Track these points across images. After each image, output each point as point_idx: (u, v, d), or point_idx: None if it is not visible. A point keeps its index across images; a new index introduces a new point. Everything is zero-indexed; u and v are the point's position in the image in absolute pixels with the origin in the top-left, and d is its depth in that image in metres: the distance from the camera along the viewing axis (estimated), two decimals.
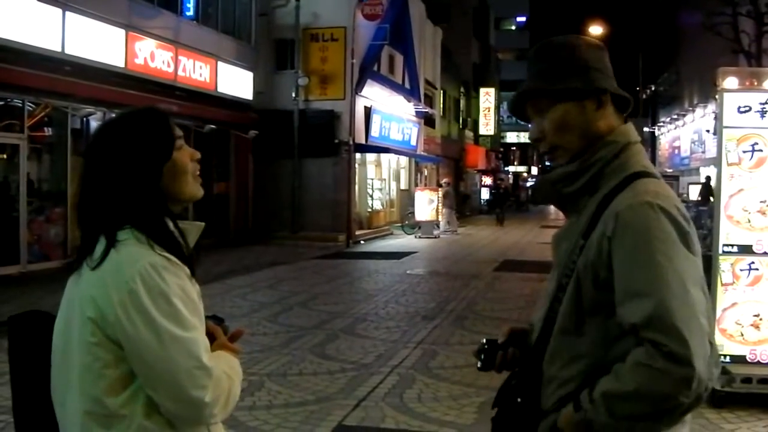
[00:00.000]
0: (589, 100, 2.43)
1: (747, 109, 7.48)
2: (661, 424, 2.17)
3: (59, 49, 17.51)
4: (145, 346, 2.09)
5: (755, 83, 7.63)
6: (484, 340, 2.73)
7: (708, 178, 26.37)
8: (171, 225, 2.28)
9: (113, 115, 2.43)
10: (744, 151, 7.48)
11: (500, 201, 45.04)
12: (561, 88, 2.42)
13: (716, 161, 7.75)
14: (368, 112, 32.15)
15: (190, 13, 24.07)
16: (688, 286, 2.13)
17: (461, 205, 42.20)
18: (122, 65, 20.01)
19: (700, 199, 23.72)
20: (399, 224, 35.29)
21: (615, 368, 2.17)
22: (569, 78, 2.42)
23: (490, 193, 53.09)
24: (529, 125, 2.57)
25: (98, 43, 18.91)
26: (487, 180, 64.00)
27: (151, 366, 2.10)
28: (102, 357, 2.13)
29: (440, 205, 33.99)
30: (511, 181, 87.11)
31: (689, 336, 2.05)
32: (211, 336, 2.33)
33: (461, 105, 57.34)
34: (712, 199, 12.51)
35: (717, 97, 7.81)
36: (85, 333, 2.15)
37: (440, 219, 34.33)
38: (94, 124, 19.82)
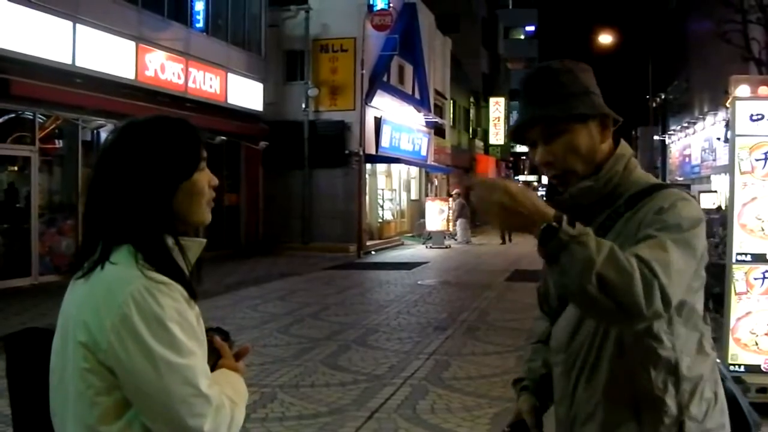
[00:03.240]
0: (594, 123, 2.50)
1: (759, 117, 7.45)
2: (600, 313, 2.19)
3: (70, 62, 17.57)
4: (139, 373, 1.96)
5: (767, 91, 7.59)
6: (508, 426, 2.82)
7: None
8: (171, 242, 2.14)
9: (139, 118, 2.25)
10: (757, 160, 7.45)
11: None
12: (573, 114, 2.46)
13: (729, 169, 7.72)
14: (378, 122, 32.17)
15: (200, 24, 24.16)
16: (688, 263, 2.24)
17: (472, 215, 41.92)
18: (133, 77, 20.07)
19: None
20: (410, 234, 35.27)
21: (630, 250, 2.17)
22: (577, 103, 2.47)
23: None
24: (528, 148, 2.63)
25: (109, 55, 18.96)
26: None
27: (146, 394, 1.98)
28: (95, 384, 2.01)
29: (455, 215, 34.00)
30: None
31: (673, 292, 2.11)
32: (216, 353, 2.25)
33: (471, 115, 57.38)
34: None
35: (729, 105, 7.78)
36: (77, 358, 2.02)
37: (457, 229, 34.34)
38: (104, 136, 19.86)
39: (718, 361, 2.60)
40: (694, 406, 2.34)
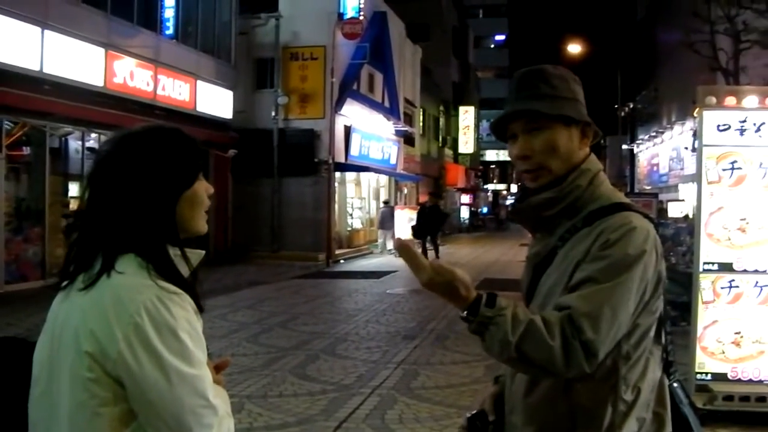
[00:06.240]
0: (576, 130, 2.59)
1: (726, 127, 7.51)
2: (528, 373, 2.43)
3: (38, 68, 17.43)
4: (150, 384, 1.94)
5: (734, 101, 7.66)
6: (468, 417, 2.87)
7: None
8: (177, 252, 2.13)
9: (135, 128, 2.23)
10: (724, 169, 7.51)
11: (432, 225, 31.19)
12: (559, 114, 2.54)
13: (696, 179, 7.77)
14: (348, 131, 32.19)
15: (170, 31, 24.09)
16: (625, 312, 2.31)
17: (441, 223, 41.84)
18: (101, 84, 19.94)
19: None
20: (376, 243, 35.33)
21: (548, 314, 2.28)
22: (566, 106, 2.56)
23: (418, 215, 31.87)
24: (507, 144, 2.68)
25: (77, 61, 18.85)
26: (465, 198, 64.03)
27: (155, 405, 1.96)
28: (99, 394, 1.96)
29: (380, 223, 34.29)
30: (490, 198, 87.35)
31: (600, 345, 2.23)
32: None
33: (441, 123, 57.52)
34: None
35: (696, 115, 7.84)
36: (80, 368, 1.97)
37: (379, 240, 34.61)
38: (72, 143, 19.76)
39: (676, 385, 2.69)
40: (629, 423, 2.39)
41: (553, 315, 2.25)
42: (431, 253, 29.22)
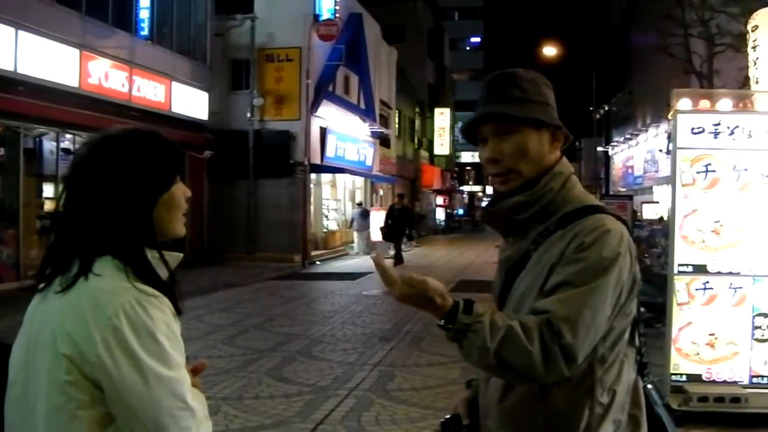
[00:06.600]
0: (547, 133, 2.59)
1: (700, 130, 7.56)
2: (508, 379, 2.42)
3: (12, 69, 17.29)
4: (128, 386, 1.92)
5: (708, 105, 7.71)
6: (442, 421, 2.88)
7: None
8: (155, 254, 2.13)
9: (113, 130, 2.21)
10: (698, 172, 7.56)
11: (402, 227, 29.14)
12: (529, 117, 2.54)
13: (670, 182, 7.82)
14: (323, 132, 32.15)
15: (145, 32, 23.96)
16: (602, 315, 2.31)
17: (417, 225, 41.52)
18: (76, 85, 19.79)
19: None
20: (352, 245, 35.32)
21: (526, 319, 2.28)
22: (536, 109, 2.56)
23: (387, 217, 29.24)
24: (478, 146, 2.68)
25: (52, 62, 18.71)
26: (440, 200, 64.13)
27: (134, 407, 1.94)
28: (77, 397, 1.95)
29: (354, 224, 34.38)
30: (466, 200, 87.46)
31: (579, 348, 2.24)
32: None
33: (416, 125, 57.54)
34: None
35: (671, 118, 7.88)
36: (57, 371, 1.96)
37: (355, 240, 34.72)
38: (47, 144, 19.64)
39: (650, 386, 2.69)
40: (606, 426, 2.40)
41: (531, 320, 2.25)
42: (406, 254, 29.14)
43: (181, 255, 2.26)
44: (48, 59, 18.57)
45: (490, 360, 2.20)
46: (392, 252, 28.25)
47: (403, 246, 30.35)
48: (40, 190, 19.75)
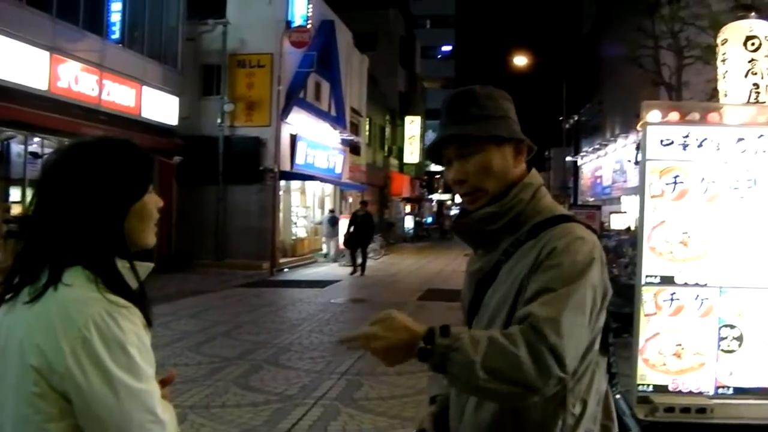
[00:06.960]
0: (509, 148, 2.60)
1: (670, 142, 7.59)
2: (504, 398, 2.31)
3: None
4: (97, 399, 1.90)
5: (677, 117, 7.75)
6: None
7: None
8: (126, 264, 2.10)
9: (85, 138, 2.20)
10: (667, 184, 7.58)
11: (364, 235, 28.73)
12: (489, 135, 2.55)
13: (639, 193, 7.85)
14: (294, 139, 32.11)
15: (116, 36, 23.87)
16: (583, 317, 2.30)
17: (386, 233, 41.43)
18: (45, 88, 19.67)
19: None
20: (321, 252, 35.27)
21: (506, 330, 2.26)
22: (494, 126, 2.57)
23: (349, 224, 29.44)
24: (444, 167, 2.71)
25: (21, 64, 18.58)
26: (407, 208, 64.22)
27: (103, 420, 1.91)
28: (45, 410, 1.92)
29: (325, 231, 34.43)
30: (435, 208, 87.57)
31: (565, 348, 2.20)
32: None
33: (387, 133, 57.58)
34: None
35: (640, 129, 7.92)
36: (25, 382, 1.93)
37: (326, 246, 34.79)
38: (15, 147, 19.48)
39: (618, 396, 2.69)
40: None
41: (512, 328, 2.24)
42: (375, 262, 29.14)
43: (152, 265, 2.24)
44: (17, 61, 18.45)
45: (478, 374, 2.15)
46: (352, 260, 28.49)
47: (370, 254, 30.32)
48: (7, 194, 19.57)
